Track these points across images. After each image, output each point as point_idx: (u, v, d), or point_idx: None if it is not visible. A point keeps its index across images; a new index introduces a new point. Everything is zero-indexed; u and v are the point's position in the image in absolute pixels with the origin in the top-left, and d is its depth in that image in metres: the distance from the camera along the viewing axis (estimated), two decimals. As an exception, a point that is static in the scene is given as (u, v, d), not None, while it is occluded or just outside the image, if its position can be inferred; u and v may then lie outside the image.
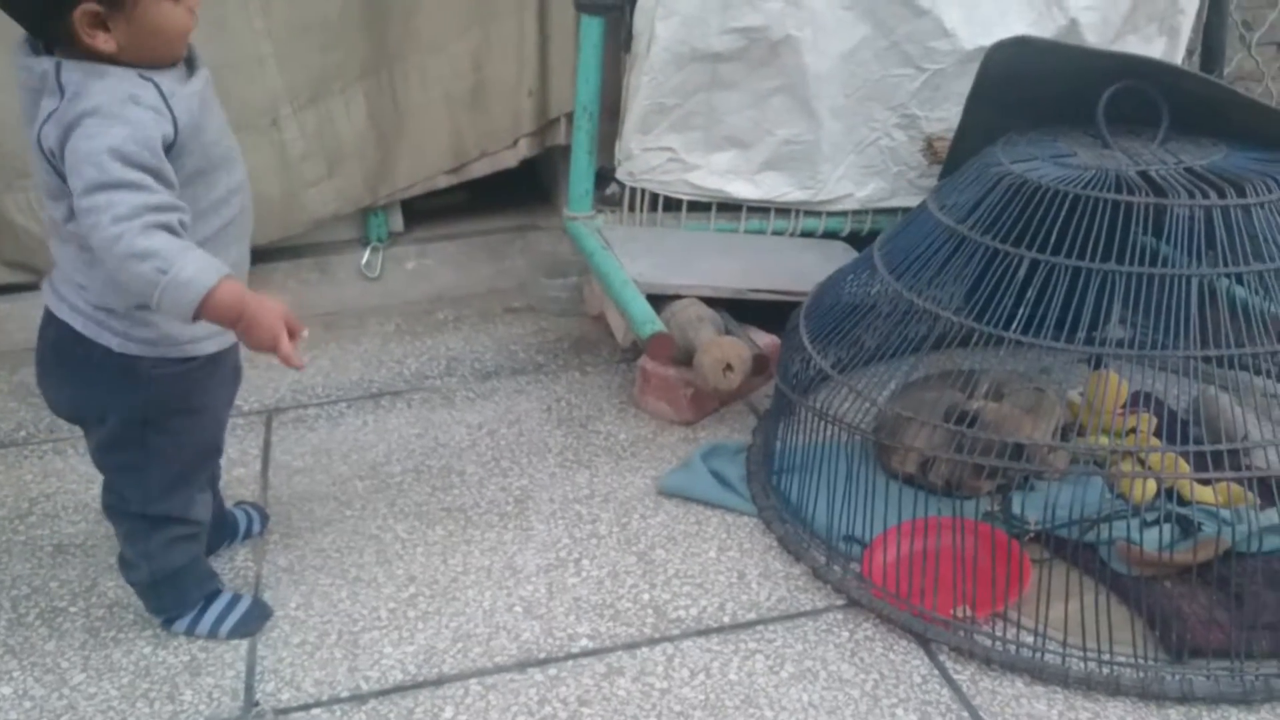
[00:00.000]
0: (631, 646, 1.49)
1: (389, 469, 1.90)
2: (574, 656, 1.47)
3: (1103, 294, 1.46)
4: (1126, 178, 1.53)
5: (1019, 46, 1.73)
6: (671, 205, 2.33)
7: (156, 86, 1.23)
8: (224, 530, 1.68)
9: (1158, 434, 1.77)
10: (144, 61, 1.25)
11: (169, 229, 1.19)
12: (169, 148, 1.23)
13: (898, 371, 1.68)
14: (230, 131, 1.38)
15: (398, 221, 2.56)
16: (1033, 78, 1.73)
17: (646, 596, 1.58)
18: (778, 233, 2.38)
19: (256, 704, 1.41)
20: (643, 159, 2.23)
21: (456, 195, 2.62)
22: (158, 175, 1.20)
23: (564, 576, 1.63)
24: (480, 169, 2.50)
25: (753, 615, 1.55)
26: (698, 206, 2.34)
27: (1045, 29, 2.21)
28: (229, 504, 1.72)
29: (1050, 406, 1.77)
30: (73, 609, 1.58)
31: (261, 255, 2.43)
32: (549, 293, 2.46)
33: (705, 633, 1.51)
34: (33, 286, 2.20)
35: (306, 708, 1.40)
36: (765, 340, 2.05)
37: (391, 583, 1.62)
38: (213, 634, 1.50)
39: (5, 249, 2.25)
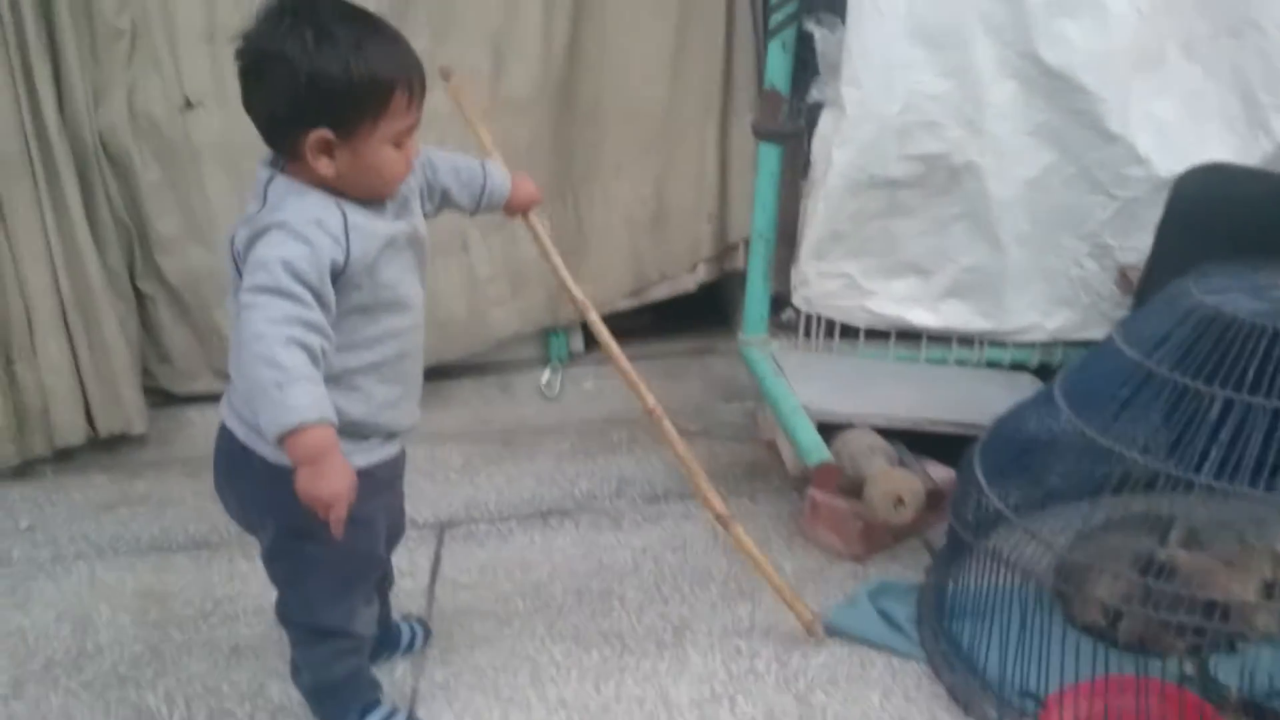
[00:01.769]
0: (782, 794, 1.42)
1: (551, 589, 1.90)
2: (720, 800, 1.42)
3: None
4: (1333, 313, 1.41)
5: (1212, 174, 1.64)
6: (849, 332, 2.29)
7: (344, 216, 1.29)
8: (388, 641, 1.70)
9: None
10: (355, 192, 1.32)
11: (308, 350, 1.23)
12: (338, 274, 1.29)
13: (1080, 514, 1.58)
14: (417, 285, 1.43)
15: (578, 342, 2.61)
16: (1230, 206, 1.64)
17: (802, 742, 1.51)
18: (961, 363, 2.30)
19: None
20: (818, 285, 2.22)
21: (640, 318, 2.66)
22: (318, 295, 1.26)
23: (717, 712, 1.57)
24: (659, 292, 2.54)
25: (914, 769, 1.45)
26: (876, 334, 2.30)
27: (1249, 155, 2.09)
28: (396, 616, 1.75)
29: (1255, 559, 1.62)
30: (239, 711, 1.63)
31: (446, 372, 2.53)
32: (723, 417, 2.45)
33: (861, 785, 1.43)
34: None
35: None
36: (942, 474, 1.97)
37: (543, 705, 1.60)
38: None
39: (215, 359, 2.41)
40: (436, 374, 2.51)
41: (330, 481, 1.24)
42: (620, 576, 1.93)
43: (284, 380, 1.21)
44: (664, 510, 2.15)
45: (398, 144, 1.31)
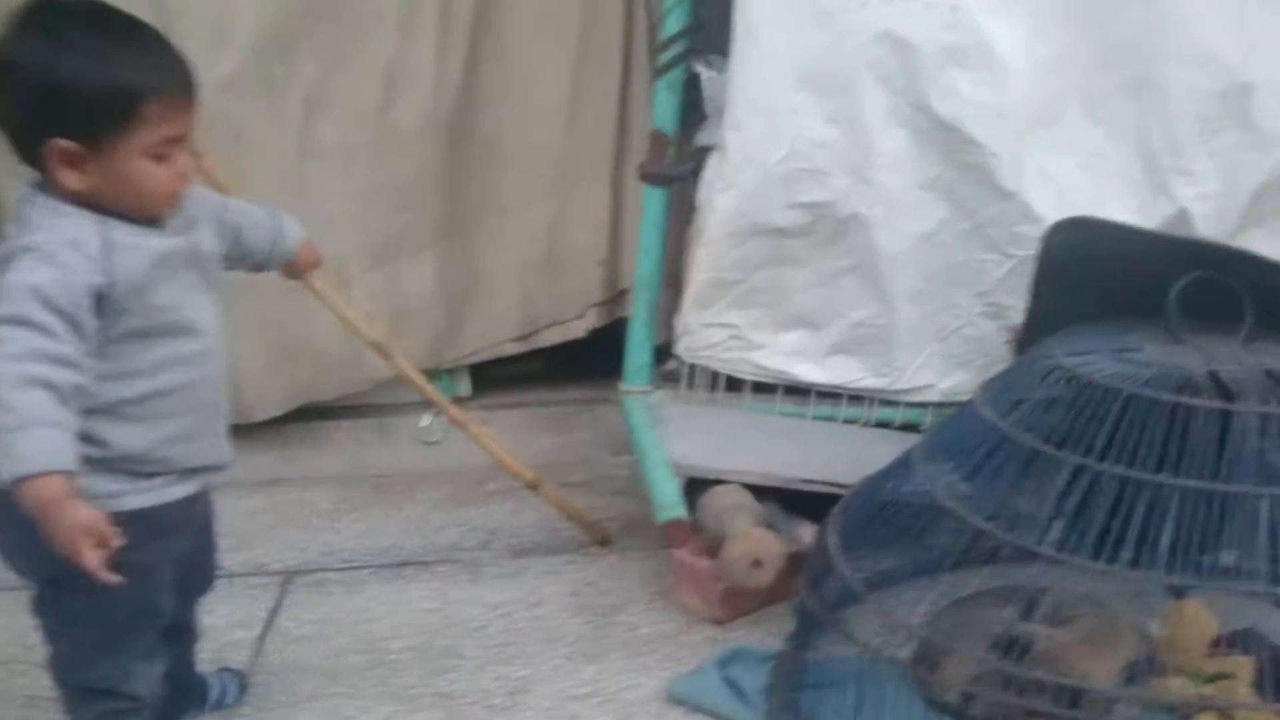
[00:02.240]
0: None
1: (390, 645, 1.78)
2: None
3: (1153, 510, 1.25)
4: (1191, 377, 1.33)
5: (1077, 229, 1.57)
6: (736, 385, 2.20)
7: (104, 236, 1.21)
8: (192, 698, 1.57)
9: (1257, 685, 1.49)
10: (118, 210, 1.24)
11: (52, 388, 1.15)
12: (101, 297, 1.20)
13: (939, 588, 1.49)
14: (205, 307, 1.35)
15: (465, 386, 2.51)
16: (1100, 263, 1.56)
17: (619, 820, 1.40)
18: (850, 420, 2.21)
19: None
20: (702, 335, 2.13)
21: (531, 363, 2.57)
22: (71, 322, 1.17)
23: (536, 786, 1.46)
24: (550, 337, 2.46)
25: None
26: (764, 388, 2.21)
27: (1149, 218, 2.03)
28: (210, 669, 1.63)
29: (1119, 637, 1.52)
30: (19, 768, 1.50)
31: (324, 413, 2.43)
32: (608, 470, 2.35)
33: None
34: None
35: None
36: (814, 537, 1.87)
37: (348, 774, 1.49)
38: None
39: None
40: (312, 414, 2.42)
41: (62, 534, 1.14)
42: (467, 633, 1.81)
43: (14, 425, 1.13)
44: (528, 565, 2.04)
45: (159, 157, 1.22)
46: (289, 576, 2.01)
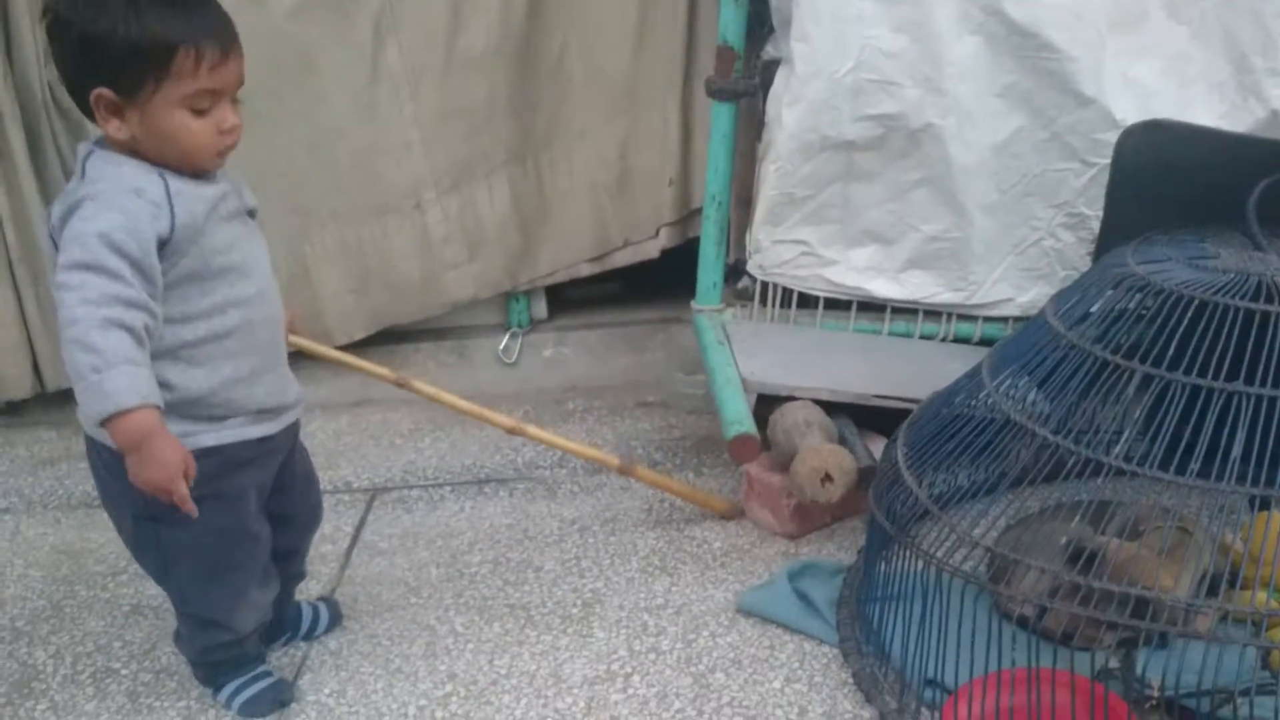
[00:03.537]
0: (655, 779, 1.34)
1: (468, 558, 1.84)
2: (590, 783, 1.34)
3: (1226, 420, 1.22)
4: (1267, 284, 1.29)
5: (1151, 133, 1.52)
6: (809, 302, 2.19)
7: (164, 182, 1.26)
8: (284, 625, 1.62)
9: (1338, 596, 1.47)
10: (165, 162, 1.28)
11: (129, 330, 1.20)
12: (164, 243, 1.25)
13: (1009, 500, 1.48)
14: (256, 252, 1.38)
15: (541, 308, 2.54)
16: (1177, 169, 1.51)
17: (688, 725, 1.43)
18: (926, 337, 2.19)
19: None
20: (773, 252, 2.11)
21: (607, 285, 2.59)
22: (138, 268, 1.22)
23: (608, 692, 1.50)
24: (623, 258, 2.46)
25: (802, 760, 1.37)
26: (838, 304, 2.19)
27: (1239, 122, 1.95)
28: (307, 599, 1.68)
29: (1195, 550, 1.50)
30: (124, 671, 1.59)
31: (403, 336, 2.48)
32: (682, 389, 2.36)
33: (742, 774, 1.35)
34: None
35: (309, 802, 1.34)
36: (886, 451, 1.87)
37: (430, 678, 1.54)
38: (228, 706, 1.48)
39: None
40: (392, 337, 2.47)
41: (158, 465, 1.22)
42: (542, 547, 1.86)
43: (101, 364, 1.18)
44: (603, 481, 2.07)
45: (198, 111, 1.26)
46: (374, 494, 2.07)
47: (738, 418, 1.78)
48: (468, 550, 1.86)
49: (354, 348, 2.40)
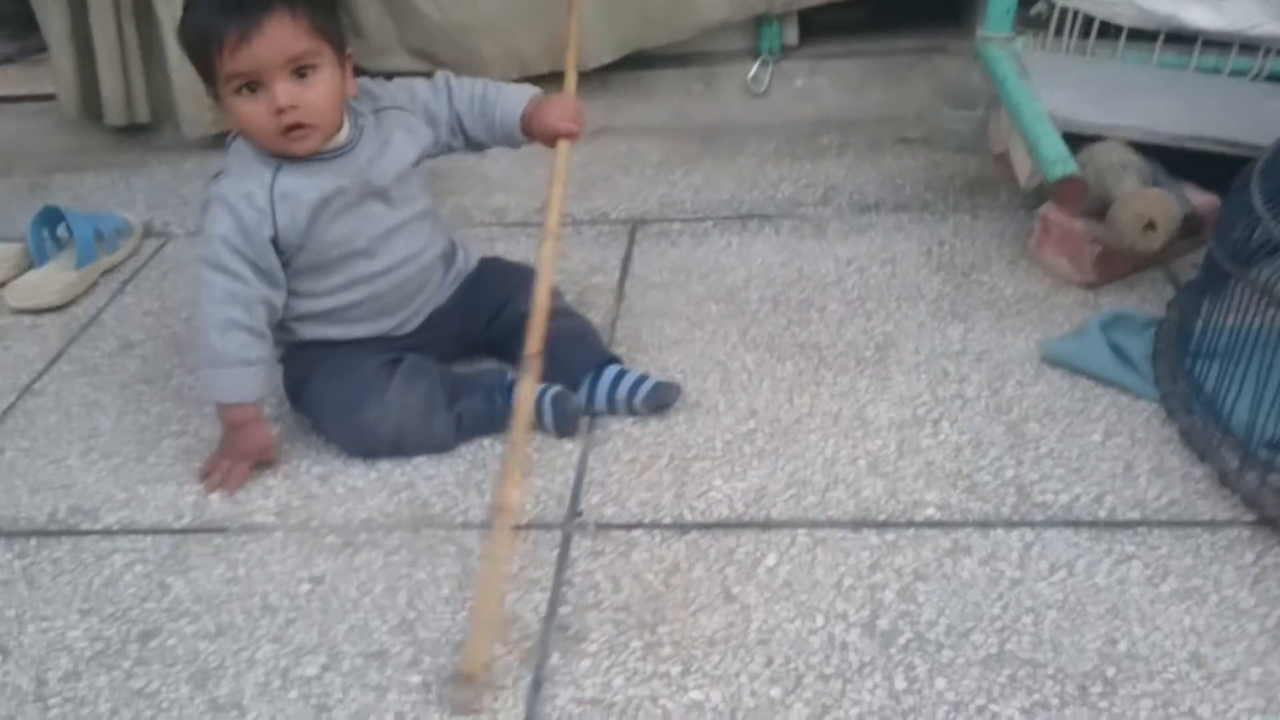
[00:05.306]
0: (984, 525, 1.31)
1: (746, 295, 1.79)
2: (916, 525, 1.31)
3: None
4: None
5: None
6: (1108, 32, 1.98)
7: (272, 186, 1.37)
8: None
9: None
10: (263, 148, 1.39)
11: (248, 329, 1.38)
12: (274, 241, 1.39)
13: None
14: (391, 230, 1.46)
15: (793, 34, 2.37)
16: None
17: (1010, 473, 1.38)
18: (1238, 73, 1.98)
19: (580, 514, 1.37)
20: (1080, -27, 1.90)
21: (858, 10, 2.39)
22: (256, 266, 1.38)
23: (919, 436, 1.46)
24: (887, -22, 2.27)
25: (1135, 514, 1.31)
26: (1140, 36, 1.98)
27: None
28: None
29: None
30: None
31: (647, 62, 2.36)
32: (949, 124, 2.20)
33: (1074, 524, 1.30)
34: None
35: (628, 527, 1.34)
36: (1202, 199, 1.72)
37: (732, 413, 1.52)
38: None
39: (409, 36, 2.29)
40: (636, 64, 2.36)
41: (242, 449, 1.44)
42: (821, 287, 1.79)
43: (216, 361, 1.39)
44: (874, 221, 1.97)
45: (247, 95, 1.33)
46: (634, 225, 2.02)
47: (1059, 156, 1.63)
48: (744, 287, 1.81)
49: (599, 73, 2.30)
